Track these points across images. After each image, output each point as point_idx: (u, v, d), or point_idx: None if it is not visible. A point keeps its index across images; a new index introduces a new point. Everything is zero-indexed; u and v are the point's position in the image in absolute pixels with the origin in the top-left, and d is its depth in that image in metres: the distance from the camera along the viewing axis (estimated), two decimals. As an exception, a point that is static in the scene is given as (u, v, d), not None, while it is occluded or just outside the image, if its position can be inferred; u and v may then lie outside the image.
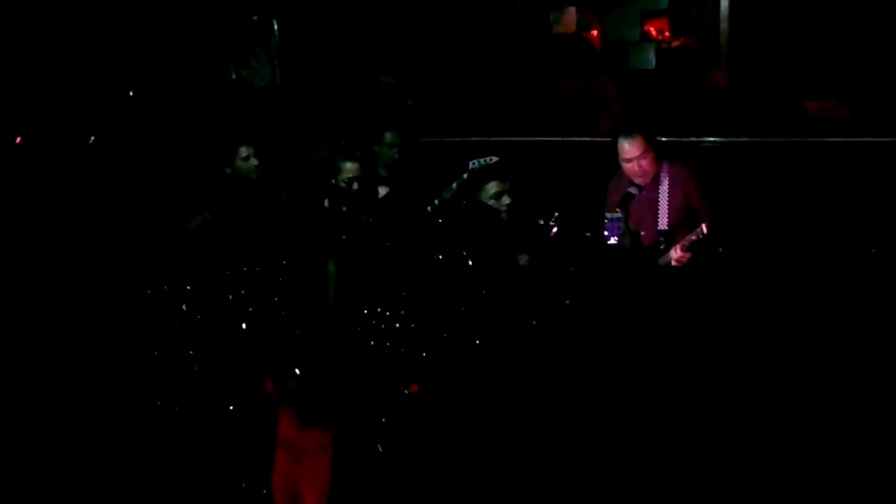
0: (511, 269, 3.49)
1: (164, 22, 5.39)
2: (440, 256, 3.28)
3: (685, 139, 5.10)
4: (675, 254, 3.31)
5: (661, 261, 3.39)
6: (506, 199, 3.46)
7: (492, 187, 3.48)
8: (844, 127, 4.80)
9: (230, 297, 3.37)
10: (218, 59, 5.77)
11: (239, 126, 5.40)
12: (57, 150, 4.26)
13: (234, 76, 5.77)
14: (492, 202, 3.47)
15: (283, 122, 5.80)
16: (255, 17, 5.98)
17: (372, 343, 3.12)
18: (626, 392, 3.31)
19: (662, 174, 3.47)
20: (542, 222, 3.67)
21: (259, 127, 5.52)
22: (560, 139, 5.60)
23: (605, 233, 3.28)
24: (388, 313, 3.26)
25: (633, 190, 3.48)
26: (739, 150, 5.02)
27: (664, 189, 3.44)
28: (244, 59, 5.85)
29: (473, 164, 3.88)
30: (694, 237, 3.24)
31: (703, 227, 3.20)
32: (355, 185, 3.42)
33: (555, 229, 3.57)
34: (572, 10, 6.01)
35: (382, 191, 3.70)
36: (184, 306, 3.37)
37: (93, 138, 3.98)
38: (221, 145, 3.96)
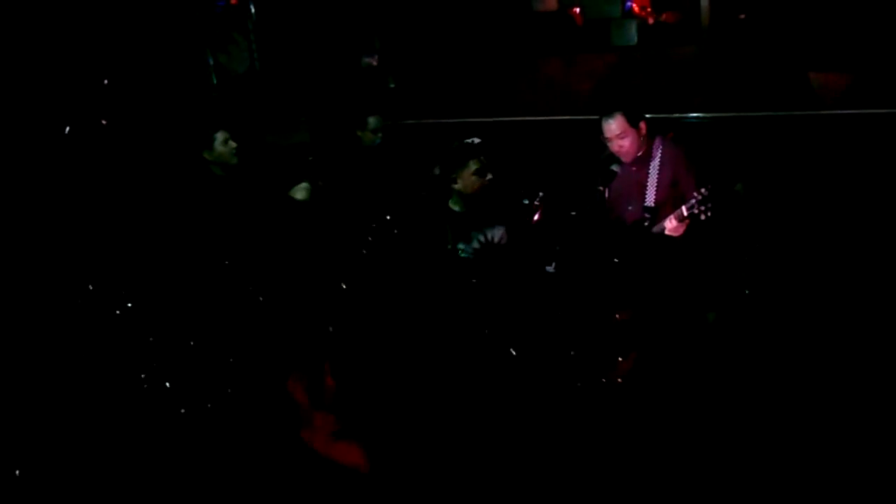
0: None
1: (139, 6, 5.29)
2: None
3: (669, 115, 5.09)
4: (670, 224, 3.28)
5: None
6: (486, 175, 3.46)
7: (473, 164, 3.47)
8: (825, 100, 4.81)
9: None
10: (195, 44, 5.68)
11: (218, 112, 5.33)
12: (30, 142, 4.18)
13: (211, 62, 5.68)
14: (474, 178, 3.46)
15: (263, 107, 5.73)
16: (234, 2, 5.87)
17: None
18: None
19: (654, 151, 3.44)
20: (526, 202, 3.66)
21: (238, 112, 5.45)
22: (543, 118, 5.57)
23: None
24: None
25: (615, 167, 3.47)
26: (722, 125, 5.01)
27: (654, 167, 3.42)
28: (222, 45, 5.75)
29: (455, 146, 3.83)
30: (685, 213, 3.21)
31: (684, 209, 3.19)
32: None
33: (540, 210, 3.56)
34: (553, -12, 5.97)
35: None
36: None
37: (67, 129, 3.89)
38: (200, 131, 3.90)
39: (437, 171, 3.78)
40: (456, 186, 3.53)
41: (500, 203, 3.69)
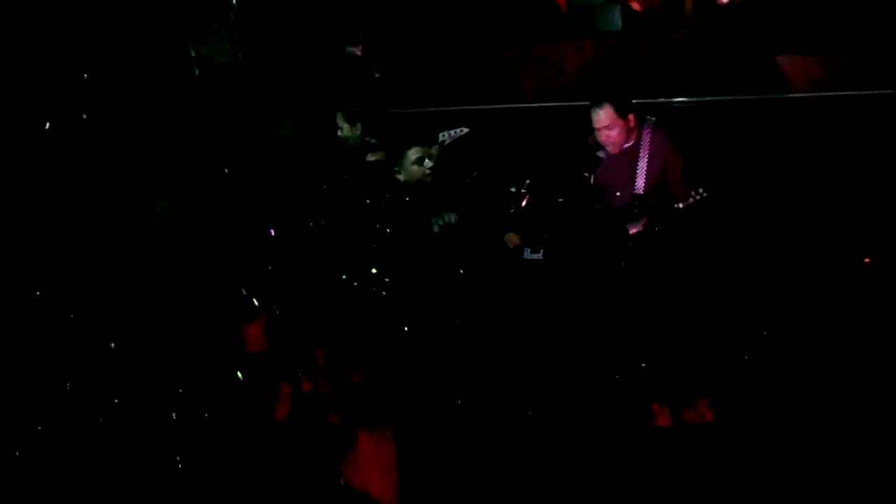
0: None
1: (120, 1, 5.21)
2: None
3: (655, 100, 5.10)
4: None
5: (639, 224, 3.41)
6: (428, 163, 3.42)
7: (413, 153, 3.44)
8: (809, 82, 4.84)
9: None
10: (176, 36, 5.61)
11: (201, 104, 5.28)
12: (11, 138, 4.12)
13: (193, 53, 5.61)
14: (414, 168, 3.43)
15: (247, 98, 5.68)
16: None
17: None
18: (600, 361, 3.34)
19: (643, 139, 3.46)
20: (513, 190, 3.66)
21: (222, 103, 5.40)
22: (529, 105, 5.56)
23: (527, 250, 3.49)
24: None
25: (601, 154, 3.48)
26: (708, 109, 5.03)
27: (643, 156, 3.44)
28: (203, 36, 5.69)
29: (443, 136, 3.82)
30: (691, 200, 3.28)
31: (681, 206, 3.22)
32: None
33: (527, 197, 3.57)
34: (537, -26, 5.94)
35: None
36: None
37: (48, 124, 3.84)
38: (183, 125, 3.85)
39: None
40: (399, 177, 3.51)
41: (487, 190, 3.69)
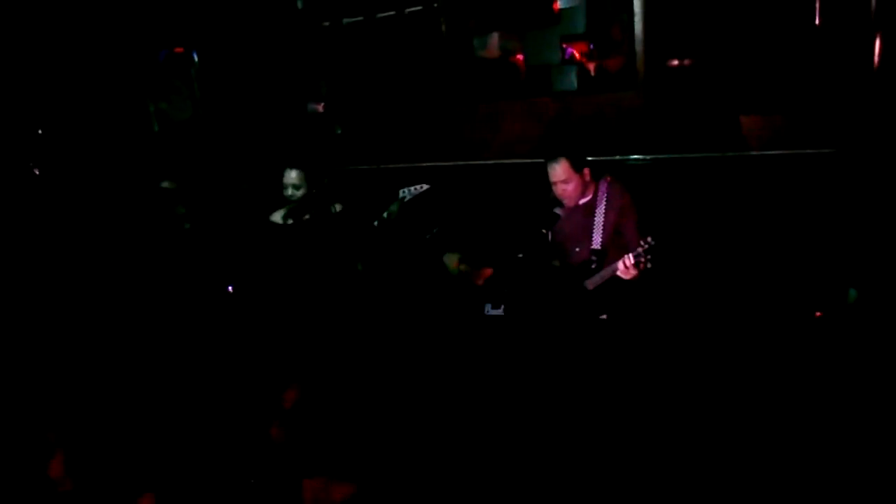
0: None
1: (78, 56, 5.20)
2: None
3: (611, 157, 5.23)
4: (622, 266, 3.28)
5: (595, 278, 3.44)
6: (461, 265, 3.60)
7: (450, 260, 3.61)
8: (755, 141, 5.03)
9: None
10: (136, 93, 5.60)
11: (160, 160, 5.24)
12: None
13: (152, 109, 5.60)
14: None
15: (207, 155, 5.66)
16: (180, 50, 5.83)
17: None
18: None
19: (600, 195, 3.52)
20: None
21: (182, 159, 5.37)
22: (489, 162, 5.66)
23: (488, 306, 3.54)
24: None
25: (558, 210, 3.54)
26: (662, 167, 5.18)
27: (600, 210, 3.49)
28: (163, 93, 5.69)
29: (403, 192, 3.85)
30: (633, 260, 3.24)
31: (631, 257, 3.25)
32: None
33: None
34: (495, 36, 6.12)
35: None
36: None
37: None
38: (141, 179, 3.82)
39: (384, 216, 3.79)
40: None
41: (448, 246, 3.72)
